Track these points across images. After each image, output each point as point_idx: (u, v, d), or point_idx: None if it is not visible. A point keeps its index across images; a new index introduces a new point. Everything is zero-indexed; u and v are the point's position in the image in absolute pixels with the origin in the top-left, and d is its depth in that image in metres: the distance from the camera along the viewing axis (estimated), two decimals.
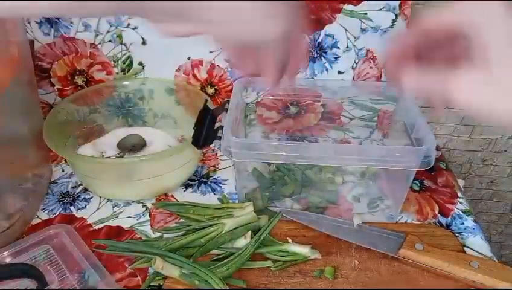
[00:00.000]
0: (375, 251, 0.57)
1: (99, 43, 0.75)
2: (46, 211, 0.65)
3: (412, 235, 0.57)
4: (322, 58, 0.76)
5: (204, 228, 0.58)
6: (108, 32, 0.74)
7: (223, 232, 0.57)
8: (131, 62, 0.78)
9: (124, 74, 0.79)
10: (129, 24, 0.73)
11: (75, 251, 0.55)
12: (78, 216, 0.64)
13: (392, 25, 0.72)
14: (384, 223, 0.62)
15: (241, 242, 0.57)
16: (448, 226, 0.64)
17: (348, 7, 0.71)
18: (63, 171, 0.73)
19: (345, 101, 0.76)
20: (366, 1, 0.71)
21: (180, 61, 0.77)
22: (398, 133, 0.71)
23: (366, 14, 0.72)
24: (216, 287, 0.50)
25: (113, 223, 0.63)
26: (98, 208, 0.65)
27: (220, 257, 0.56)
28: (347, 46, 0.75)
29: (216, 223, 0.58)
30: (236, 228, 0.58)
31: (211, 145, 0.70)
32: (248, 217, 0.59)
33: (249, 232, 0.57)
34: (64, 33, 0.74)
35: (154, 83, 0.78)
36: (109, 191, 0.67)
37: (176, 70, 0.78)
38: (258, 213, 0.65)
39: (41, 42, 0.74)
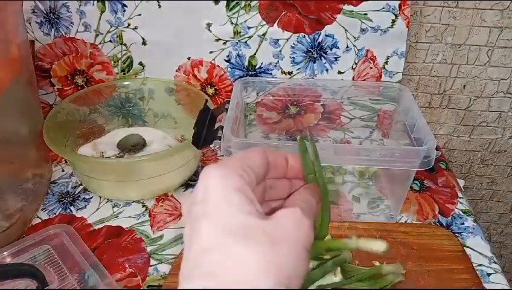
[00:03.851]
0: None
1: (100, 43, 0.75)
2: (46, 211, 0.65)
3: None
4: (322, 58, 0.76)
5: None
6: (108, 32, 0.74)
7: (311, 268, 0.50)
8: (132, 62, 0.78)
9: (124, 74, 0.79)
10: (129, 24, 0.73)
11: (75, 251, 0.55)
12: (78, 216, 0.64)
13: (392, 25, 0.72)
14: (384, 223, 0.62)
15: (328, 279, 0.50)
16: (448, 226, 0.64)
17: (347, 7, 0.71)
18: (63, 171, 0.73)
19: (345, 101, 0.76)
20: (366, 1, 0.71)
21: (180, 61, 0.77)
22: (398, 133, 0.71)
23: (366, 14, 0.72)
24: None
25: (113, 223, 0.63)
26: (98, 208, 0.65)
27: None
28: (347, 46, 0.75)
29: None
30: (325, 262, 0.51)
31: (211, 145, 0.70)
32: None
33: (339, 269, 0.51)
34: (65, 33, 0.74)
35: (155, 83, 0.78)
36: (109, 191, 0.67)
37: (176, 70, 0.78)
38: None
39: (41, 42, 0.74)
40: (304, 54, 0.76)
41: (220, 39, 0.74)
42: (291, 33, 0.74)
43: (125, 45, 0.76)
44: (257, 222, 0.26)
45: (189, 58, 0.77)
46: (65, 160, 0.74)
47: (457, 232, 0.63)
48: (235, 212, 0.26)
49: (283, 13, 0.72)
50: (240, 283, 0.24)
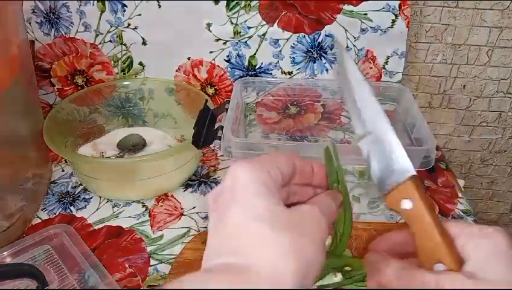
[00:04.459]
0: None
1: (100, 43, 0.75)
2: (46, 211, 0.65)
3: None
4: (322, 58, 0.76)
5: None
6: (108, 32, 0.74)
7: None
8: (132, 62, 0.78)
9: (124, 74, 0.79)
10: (129, 24, 0.73)
11: (75, 251, 0.55)
12: (78, 216, 0.64)
13: (392, 25, 0.72)
14: (384, 223, 0.62)
15: (328, 279, 0.51)
16: None
17: (347, 7, 0.71)
18: (63, 171, 0.73)
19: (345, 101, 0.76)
20: (366, 1, 0.71)
21: (180, 61, 0.77)
22: (398, 133, 0.71)
23: (366, 14, 0.72)
24: None
25: (113, 223, 0.63)
26: (98, 208, 0.65)
27: None
28: (347, 46, 0.75)
29: None
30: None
31: (211, 145, 0.70)
32: None
33: None
34: (65, 33, 0.74)
35: (154, 83, 0.78)
36: (109, 191, 0.67)
37: (176, 70, 0.78)
38: None
39: (41, 42, 0.74)
40: (304, 54, 0.76)
41: (220, 39, 0.74)
42: (291, 33, 0.74)
43: (125, 45, 0.76)
44: (282, 210, 0.28)
45: (189, 58, 0.77)
46: (65, 160, 0.74)
47: None
48: (262, 201, 0.28)
49: (283, 13, 0.72)
50: (262, 261, 0.25)
